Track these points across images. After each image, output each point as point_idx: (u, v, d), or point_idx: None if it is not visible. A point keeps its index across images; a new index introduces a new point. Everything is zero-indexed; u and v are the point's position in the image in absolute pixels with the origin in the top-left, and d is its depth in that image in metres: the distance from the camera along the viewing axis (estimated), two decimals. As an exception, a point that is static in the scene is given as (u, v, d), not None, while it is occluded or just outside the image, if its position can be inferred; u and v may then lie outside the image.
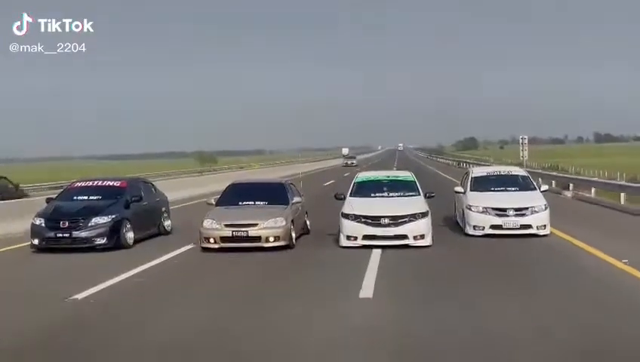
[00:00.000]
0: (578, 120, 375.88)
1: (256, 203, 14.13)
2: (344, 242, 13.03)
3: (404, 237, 12.64)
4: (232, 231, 12.93)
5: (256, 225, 12.93)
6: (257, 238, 12.87)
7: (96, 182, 15.58)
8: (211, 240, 13.03)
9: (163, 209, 16.57)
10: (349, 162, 76.37)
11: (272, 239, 12.88)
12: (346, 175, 42.27)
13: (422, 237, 12.73)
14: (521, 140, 46.67)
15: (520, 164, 36.09)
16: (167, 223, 16.45)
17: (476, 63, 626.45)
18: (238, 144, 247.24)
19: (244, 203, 14.19)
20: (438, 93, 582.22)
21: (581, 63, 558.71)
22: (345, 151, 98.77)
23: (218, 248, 12.97)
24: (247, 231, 12.89)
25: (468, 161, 69.39)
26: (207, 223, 13.20)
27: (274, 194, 14.49)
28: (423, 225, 12.82)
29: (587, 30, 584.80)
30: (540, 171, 37.51)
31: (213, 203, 14.58)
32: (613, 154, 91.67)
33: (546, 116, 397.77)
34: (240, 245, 12.84)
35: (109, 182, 15.49)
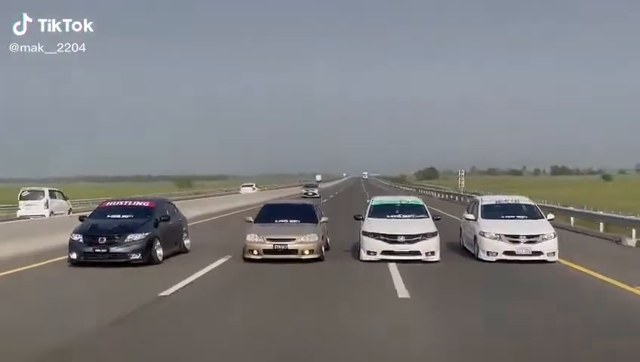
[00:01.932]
0: (537, 153, 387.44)
1: (290, 221, 15.54)
2: (365, 256, 14.58)
3: (418, 253, 14.28)
4: (274, 245, 14.38)
5: (294, 239, 14.42)
6: (295, 251, 14.34)
7: (126, 202, 16.36)
8: (255, 252, 14.49)
9: (184, 228, 17.17)
10: (310, 192, 62.21)
11: (307, 252, 14.38)
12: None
13: (432, 253, 14.38)
14: (459, 173, 68.82)
15: (458, 191, 59.67)
16: (186, 242, 17.06)
17: (435, 93, 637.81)
18: (203, 168, 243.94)
19: (280, 221, 15.59)
20: (402, 123, 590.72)
21: (544, 97, 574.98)
22: (318, 177, 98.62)
23: (260, 259, 14.37)
24: (286, 245, 14.35)
25: (425, 188, 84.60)
26: (250, 237, 14.65)
27: (305, 213, 16.13)
28: (433, 243, 14.47)
29: (550, 66, 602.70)
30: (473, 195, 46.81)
31: (252, 220, 15.73)
32: (561, 185, 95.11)
33: (506, 149, 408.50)
34: (280, 257, 14.30)
35: (138, 203, 16.28)
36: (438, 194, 66.74)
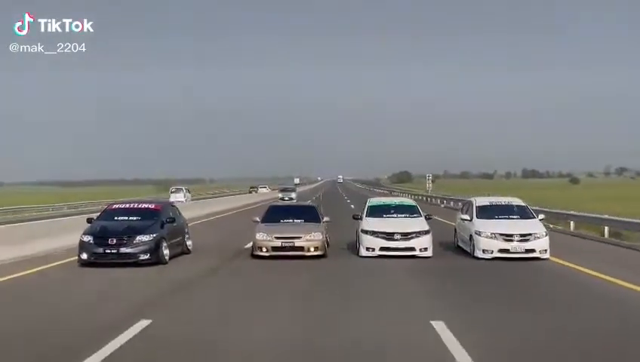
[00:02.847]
0: (510, 157, 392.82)
1: (295, 221, 16.44)
2: (364, 253, 15.47)
3: (412, 249, 15.23)
4: (282, 242, 15.28)
5: (300, 237, 15.34)
6: (301, 248, 15.24)
7: (133, 205, 16.64)
8: (263, 249, 15.34)
9: (185, 230, 17.43)
10: (286, 197, 55.98)
11: (312, 249, 15.27)
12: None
13: (425, 249, 15.34)
14: (427, 176, 78.22)
15: (426, 192, 66.71)
16: (189, 243, 17.27)
17: (413, 99, 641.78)
18: (179, 172, 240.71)
19: (285, 220, 16.49)
20: (374, 128, 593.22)
21: (514, 102, 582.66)
22: (296, 180, 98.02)
23: (269, 256, 15.18)
24: (293, 242, 15.27)
25: (397, 190, 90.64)
26: (259, 236, 15.53)
27: (308, 213, 17.07)
28: (426, 240, 15.43)
29: (522, 73, 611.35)
30: (438, 196, 57.71)
31: (258, 220, 16.57)
32: (530, 188, 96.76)
33: (479, 153, 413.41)
34: (287, 253, 15.15)
35: (144, 205, 16.61)
36: (410, 196, 68.01)
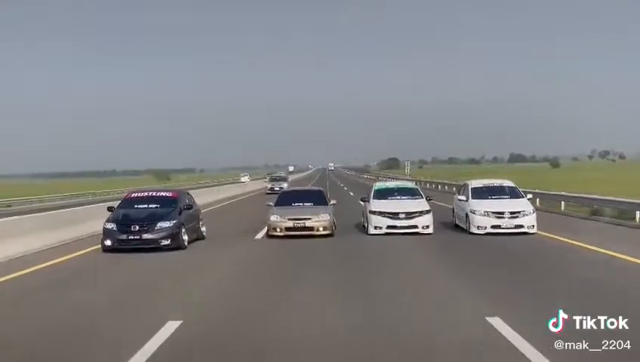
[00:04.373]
0: (498, 141, 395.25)
1: (305, 204, 17.82)
2: (372, 231, 16.82)
3: (415, 227, 16.63)
4: (294, 223, 16.65)
5: (310, 218, 16.70)
6: (311, 228, 16.61)
7: (151, 193, 17.26)
8: (277, 230, 16.71)
9: (200, 216, 17.93)
10: (277, 187, 46.35)
11: (321, 229, 16.60)
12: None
13: (427, 227, 16.70)
14: (406, 163, 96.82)
15: (405, 176, 73.97)
16: (203, 229, 17.59)
17: (402, 87, 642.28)
18: (168, 162, 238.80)
19: (296, 204, 17.86)
20: (365, 114, 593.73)
21: (505, 83, 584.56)
22: (290, 168, 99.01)
23: (283, 235, 16.56)
24: (304, 223, 16.64)
25: (383, 176, 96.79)
26: (273, 218, 16.90)
27: (317, 197, 18.48)
28: (428, 219, 16.80)
29: (513, 55, 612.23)
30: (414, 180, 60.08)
31: (272, 204, 18.02)
32: (510, 173, 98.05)
33: (465, 138, 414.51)
34: (299, 233, 16.53)
35: (162, 193, 17.34)
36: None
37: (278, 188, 42.60)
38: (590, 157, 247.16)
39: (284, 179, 55.23)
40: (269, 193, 43.87)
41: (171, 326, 7.30)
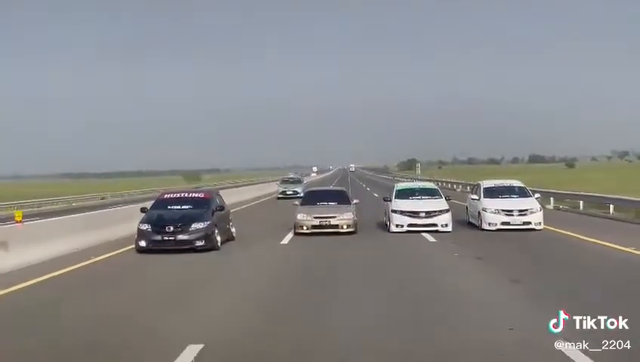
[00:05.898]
0: (519, 141, 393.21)
1: (329, 203, 18.67)
2: (394, 229, 17.66)
3: (435, 225, 17.40)
4: (319, 221, 17.53)
5: (335, 217, 17.57)
6: (336, 226, 17.46)
7: (183, 194, 17.34)
8: (304, 228, 17.62)
9: (230, 217, 17.92)
10: (289, 191, 40.57)
11: (345, 227, 17.46)
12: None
13: (446, 225, 17.49)
14: (417, 165, 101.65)
15: (416, 176, 79.51)
16: (233, 230, 17.58)
17: (422, 88, 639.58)
18: (195, 162, 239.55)
19: (321, 203, 18.73)
20: (385, 116, 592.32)
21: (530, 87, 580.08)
22: (314, 169, 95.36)
23: (309, 233, 17.40)
24: (329, 221, 17.49)
25: (402, 177, 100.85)
26: (300, 216, 17.84)
27: (340, 197, 19.41)
28: (447, 217, 17.60)
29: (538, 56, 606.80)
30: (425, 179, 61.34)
31: (298, 204, 18.95)
32: (526, 173, 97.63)
33: (485, 138, 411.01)
34: (324, 230, 17.35)
35: (194, 194, 17.31)
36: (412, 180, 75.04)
37: (291, 192, 39.82)
38: (609, 157, 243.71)
39: (298, 182, 44.87)
40: (280, 198, 39.54)
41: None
